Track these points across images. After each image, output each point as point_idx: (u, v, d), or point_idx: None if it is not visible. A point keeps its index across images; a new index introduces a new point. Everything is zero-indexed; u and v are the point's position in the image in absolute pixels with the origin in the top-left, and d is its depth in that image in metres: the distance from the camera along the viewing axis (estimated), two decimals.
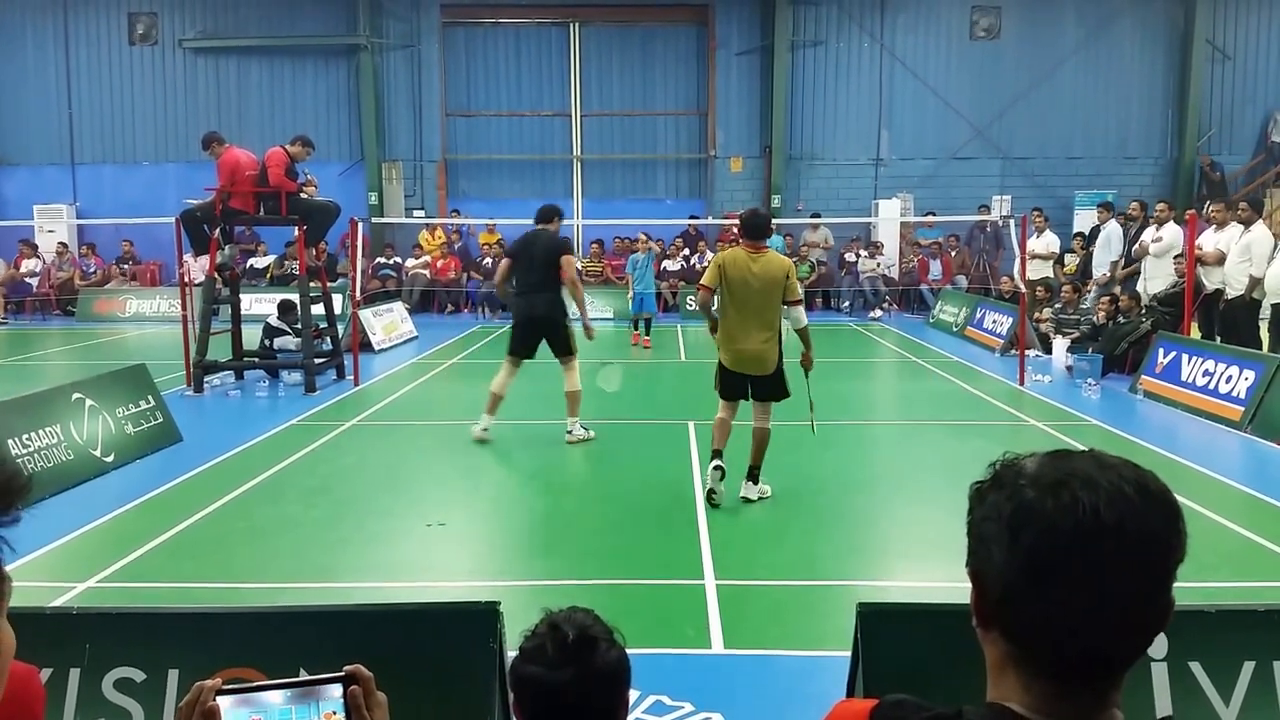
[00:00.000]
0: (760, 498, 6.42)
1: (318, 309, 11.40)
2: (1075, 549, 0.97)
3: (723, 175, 21.12)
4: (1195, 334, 10.66)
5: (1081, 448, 1.09)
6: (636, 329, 14.76)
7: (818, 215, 19.87)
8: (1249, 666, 2.95)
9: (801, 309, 6.37)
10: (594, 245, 20.09)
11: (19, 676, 1.23)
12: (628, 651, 1.87)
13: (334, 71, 21.11)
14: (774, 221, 17.17)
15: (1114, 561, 0.97)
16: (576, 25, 21.16)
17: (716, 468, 6.28)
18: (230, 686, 1.35)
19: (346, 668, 1.41)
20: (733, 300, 6.20)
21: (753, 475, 6.41)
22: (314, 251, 11.38)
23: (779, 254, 6.44)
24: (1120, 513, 0.97)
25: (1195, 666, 2.95)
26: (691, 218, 20.43)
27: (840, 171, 20.89)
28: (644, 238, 16.06)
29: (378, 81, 20.85)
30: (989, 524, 1.04)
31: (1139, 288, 11.88)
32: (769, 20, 20.37)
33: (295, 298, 11.44)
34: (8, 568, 1.11)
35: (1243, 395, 8.54)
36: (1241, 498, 6.59)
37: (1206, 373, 9.11)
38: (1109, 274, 12.96)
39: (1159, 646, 2.92)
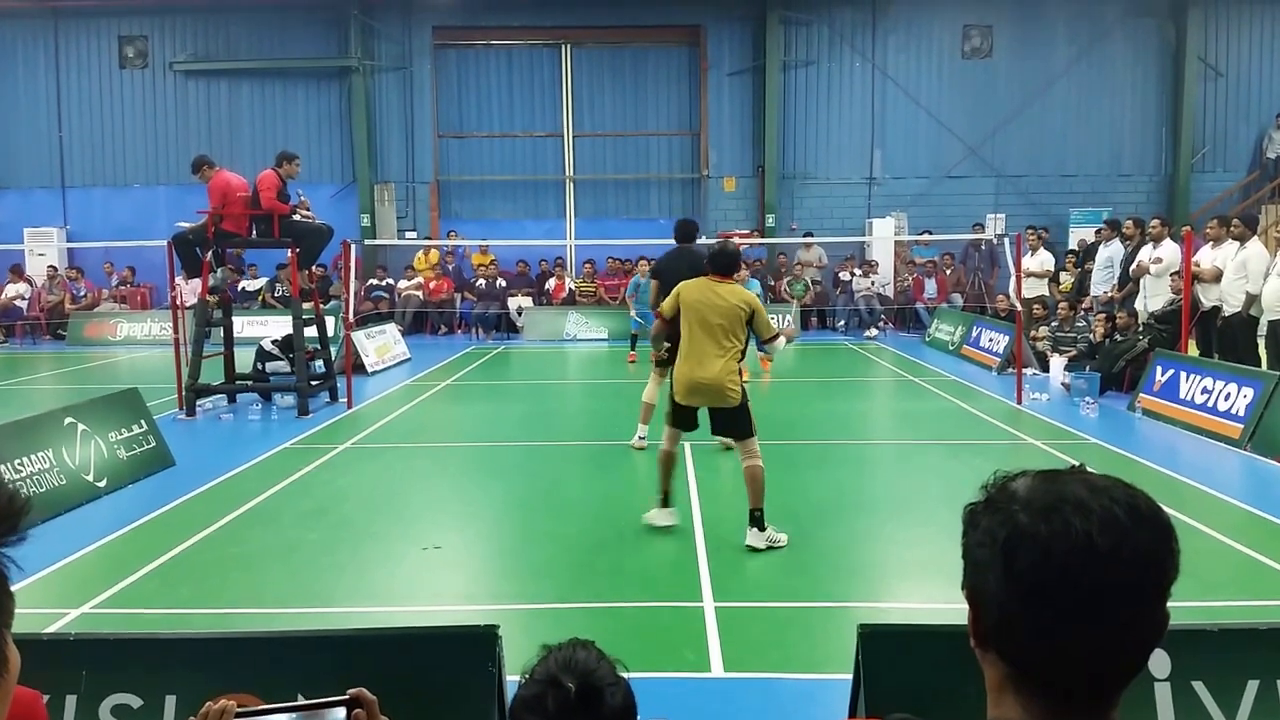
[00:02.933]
0: (771, 546, 5.79)
1: (310, 331, 11.37)
2: (1069, 575, 0.98)
3: (716, 195, 21.20)
4: (1193, 351, 10.67)
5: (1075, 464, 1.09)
6: (634, 348, 14.81)
7: (810, 234, 19.96)
8: (1253, 685, 2.93)
9: (781, 341, 6.20)
10: (586, 265, 20.13)
11: (23, 702, 1.21)
12: (627, 677, 1.82)
13: (326, 94, 21.17)
14: (772, 241, 17.33)
15: (1108, 586, 0.98)
16: (568, 47, 21.29)
17: (665, 511, 6.20)
18: (242, 710, 1.36)
19: (350, 691, 1.41)
20: (694, 323, 5.89)
21: (755, 520, 5.82)
22: (307, 274, 11.36)
23: (745, 289, 6.16)
24: (1113, 537, 0.98)
25: (1199, 686, 2.93)
26: None
27: (834, 190, 20.99)
28: (645, 262, 16.09)
29: (369, 104, 20.92)
30: (983, 549, 1.04)
31: (1138, 305, 11.91)
32: (760, 41, 20.52)
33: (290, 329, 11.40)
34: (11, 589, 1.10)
35: (1242, 412, 8.53)
36: (1242, 515, 6.58)
37: (1205, 390, 9.10)
38: (1109, 293, 13.00)
39: (1162, 666, 2.91)
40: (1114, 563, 0.97)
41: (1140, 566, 0.98)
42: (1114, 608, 0.98)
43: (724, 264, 6.05)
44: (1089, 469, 1.07)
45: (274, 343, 11.67)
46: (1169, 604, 1.02)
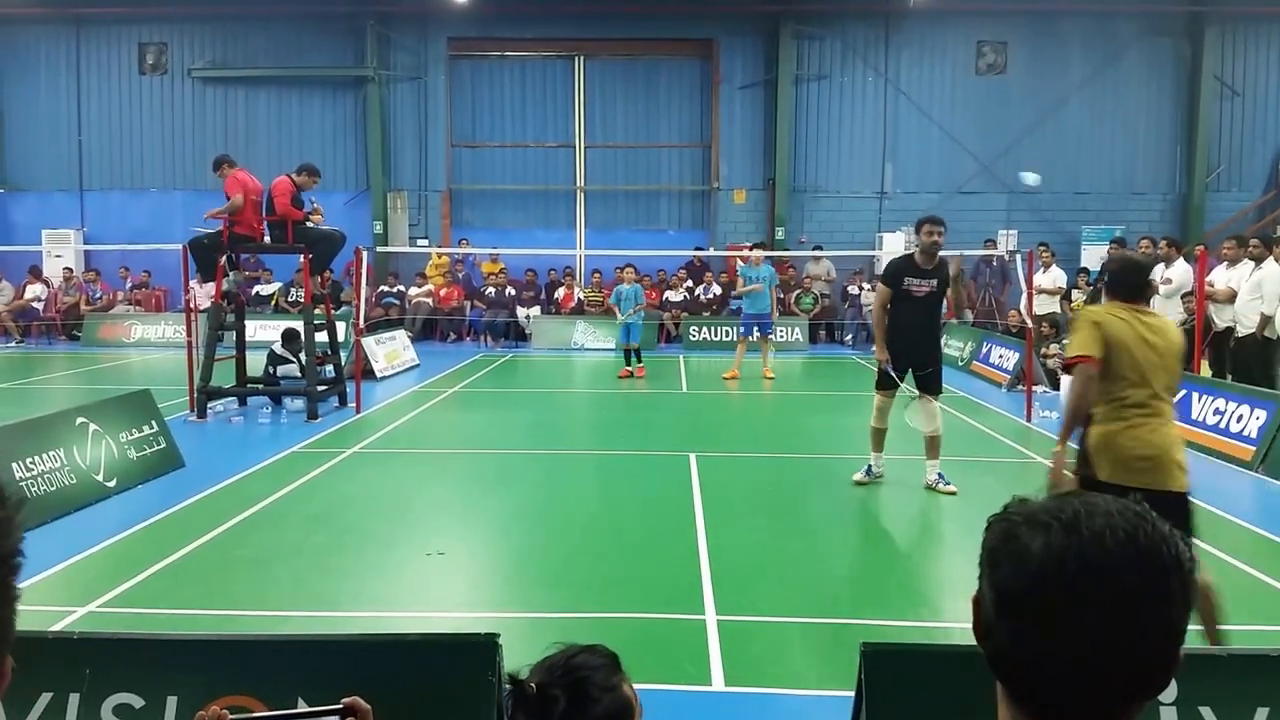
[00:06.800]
0: None
1: (321, 336, 11.42)
2: (1034, 590, 0.99)
3: (726, 207, 21.22)
4: (1205, 372, 10.60)
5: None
6: (628, 362, 14.50)
7: (820, 248, 19.96)
8: (1263, 713, 2.90)
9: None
10: (595, 275, 20.17)
11: None
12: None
13: (341, 102, 21.32)
14: (774, 253, 17.26)
15: (1071, 608, 0.97)
16: (581, 58, 21.38)
17: None
18: (236, 717, 1.35)
19: (344, 700, 1.41)
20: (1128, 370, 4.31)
21: None
22: (319, 279, 11.42)
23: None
24: (1087, 562, 0.97)
25: (1206, 712, 2.90)
26: (696, 249, 20.55)
27: (844, 204, 20.99)
28: (632, 269, 15.73)
29: (384, 112, 21.05)
30: (982, 553, 1.07)
31: None
32: (773, 54, 20.56)
33: (298, 326, 11.47)
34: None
35: (1254, 435, 8.47)
36: (1253, 539, 6.52)
37: (1217, 411, 9.04)
38: None
39: (1169, 690, 2.88)
40: (1083, 586, 0.97)
41: (1114, 596, 0.97)
42: (1077, 632, 0.97)
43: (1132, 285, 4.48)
44: (1144, 501, 1.04)
45: (282, 346, 11.72)
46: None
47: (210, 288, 10.96)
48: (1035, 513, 1.03)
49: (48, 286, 19.96)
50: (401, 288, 19.86)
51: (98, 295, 20.18)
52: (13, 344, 18.86)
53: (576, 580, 5.64)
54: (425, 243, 20.99)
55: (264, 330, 15.71)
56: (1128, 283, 4.51)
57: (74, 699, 2.95)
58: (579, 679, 1.72)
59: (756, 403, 12.91)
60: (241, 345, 11.39)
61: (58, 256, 20.62)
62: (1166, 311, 11.62)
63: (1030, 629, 1.00)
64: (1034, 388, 11.44)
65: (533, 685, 1.68)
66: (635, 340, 14.48)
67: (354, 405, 11.19)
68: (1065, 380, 4.47)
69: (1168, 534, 1.00)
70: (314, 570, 5.78)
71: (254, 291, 18.93)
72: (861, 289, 19.33)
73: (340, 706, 1.39)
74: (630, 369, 14.34)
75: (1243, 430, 8.64)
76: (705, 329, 18.69)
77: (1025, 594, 1.00)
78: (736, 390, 13.54)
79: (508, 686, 1.72)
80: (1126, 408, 4.33)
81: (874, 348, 7.75)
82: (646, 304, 17.29)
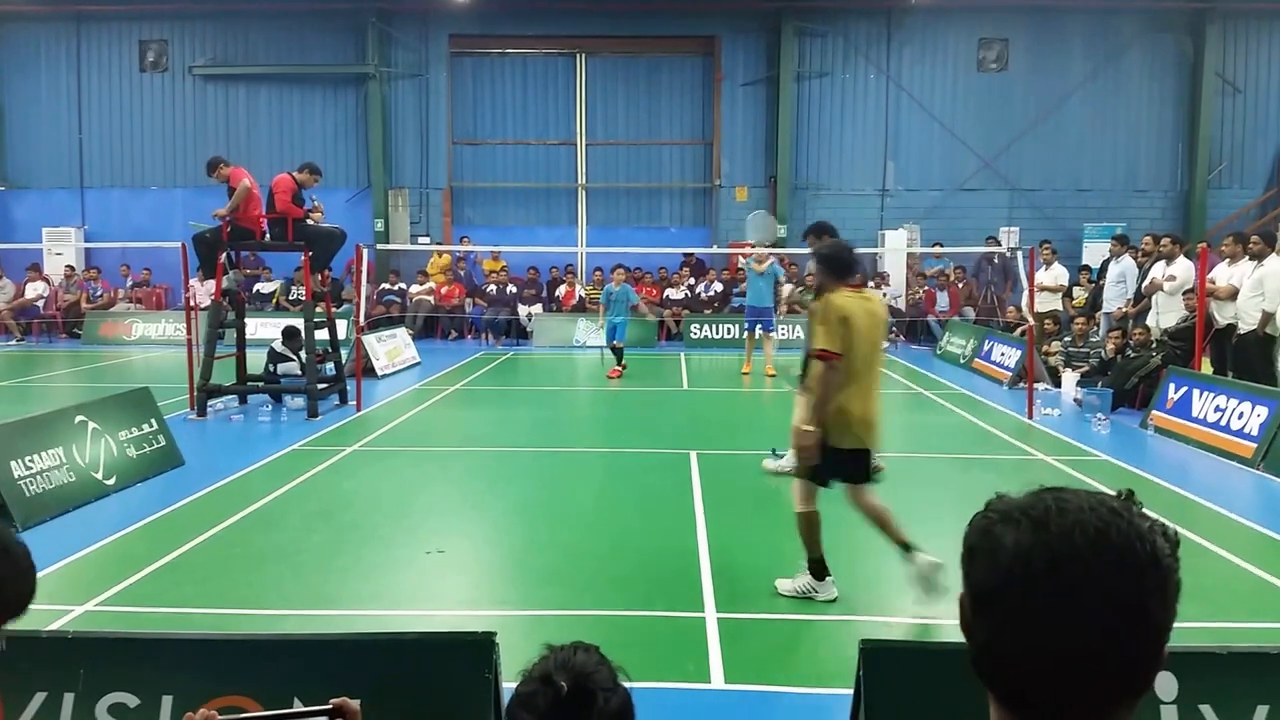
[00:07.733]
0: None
1: (322, 334, 11.41)
2: (1004, 588, 0.98)
3: (727, 204, 21.20)
4: (1207, 369, 10.58)
5: (1095, 484, 1.07)
6: (618, 361, 14.39)
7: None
8: (1263, 711, 2.89)
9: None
10: (596, 273, 20.16)
11: None
12: (629, 686, 1.80)
13: (342, 100, 21.31)
14: (778, 252, 17.26)
15: (1040, 607, 0.96)
16: (583, 55, 21.37)
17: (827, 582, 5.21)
18: (226, 718, 1.35)
19: (333, 701, 1.40)
20: (866, 351, 4.96)
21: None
22: (319, 277, 11.41)
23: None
24: (1054, 559, 0.95)
25: (1206, 709, 2.89)
26: (689, 251, 20.49)
27: (846, 202, 20.95)
28: (621, 269, 15.24)
29: (385, 110, 21.04)
30: (963, 551, 1.06)
31: (1149, 322, 11.83)
32: (775, 51, 20.55)
33: (299, 323, 11.46)
34: None
35: (1255, 432, 8.45)
36: (1254, 536, 6.50)
37: (1218, 408, 9.03)
38: (1123, 309, 12.92)
39: (1169, 688, 2.87)
40: (1050, 584, 0.95)
41: (1085, 594, 0.94)
42: (1051, 630, 0.95)
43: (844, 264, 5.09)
44: (1133, 495, 1.02)
45: (283, 344, 11.71)
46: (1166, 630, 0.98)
47: (210, 285, 10.96)
48: (1010, 509, 1.01)
49: (48, 284, 19.97)
50: (403, 285, 19.86)
51: (98, 293, 20.19)
52: (13, 342, 18.87)
53: (576, 578, 5.63)
54: (426, 240, 20.98)
55: (264, 328, 15.70)
56: (845, 265, 5.09)
57: (69, 698, 2.95)
58: (587, 676, 1.71)
59: (758, 400, 12.90)
60: (242, 343, 11.38)
61: (58, 254, 20.64)
62: (1169, 308, 11.62)
63: (1003, 627, 0.98)
64: (1035, 385, 11.41)
65: (564, 684, 1.67)
66: (620, 339, 14.39)
67: (354, 403, 11.18)
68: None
69: (1144, 531, 0.97)
70: (314, 568, 5.77)
71: (254, 289, 18.93)
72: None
73: (329, 707, 1.38)
74: (618, 368, 14.26)
75: (1244, 427, 8.63)
76: (706, 327, 18.68)
77: (996, 592, 0.98)
78: (739, 388, 13.54)
79: (509, 686, 1.70)
80: (859, 383, 4.95)
81: None
82: (644, 301, 17.20)
